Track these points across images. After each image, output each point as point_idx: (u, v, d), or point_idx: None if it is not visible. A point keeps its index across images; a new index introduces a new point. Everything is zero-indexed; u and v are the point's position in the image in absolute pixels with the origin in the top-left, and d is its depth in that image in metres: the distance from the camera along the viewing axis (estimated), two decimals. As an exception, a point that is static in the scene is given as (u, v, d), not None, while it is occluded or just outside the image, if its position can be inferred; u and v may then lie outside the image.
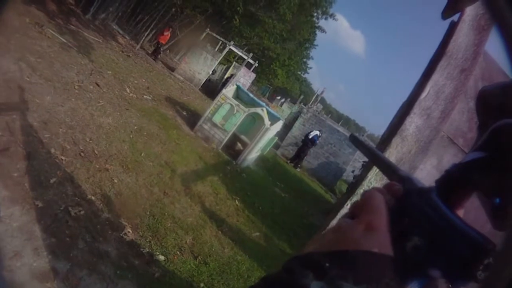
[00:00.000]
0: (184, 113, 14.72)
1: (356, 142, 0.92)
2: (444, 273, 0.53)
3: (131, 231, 5.51)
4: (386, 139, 2.10)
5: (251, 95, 14.84)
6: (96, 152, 6.96)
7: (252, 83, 31.73)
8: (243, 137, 13.55)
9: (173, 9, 24.99)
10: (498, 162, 0.56)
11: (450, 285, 0.53)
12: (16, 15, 10.92)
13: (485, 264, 0.49)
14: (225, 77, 24.28)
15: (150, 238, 5.69)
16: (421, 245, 0.56)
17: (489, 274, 0.50)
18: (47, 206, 4.78)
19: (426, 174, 1.91)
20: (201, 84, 22.90)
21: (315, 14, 33.62)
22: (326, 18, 34.62)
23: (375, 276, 0.49)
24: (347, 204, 2.10)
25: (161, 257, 5.40)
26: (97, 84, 10.69)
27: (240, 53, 24.99)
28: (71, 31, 14.45)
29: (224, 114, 12.93)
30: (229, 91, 13.70)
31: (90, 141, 7.18)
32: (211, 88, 22.26)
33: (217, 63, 23.25)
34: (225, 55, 24.65)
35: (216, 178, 10.09)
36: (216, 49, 23.88)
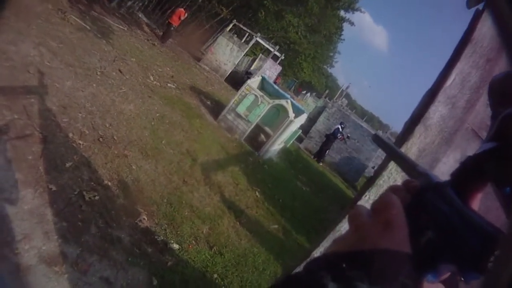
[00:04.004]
0: (208, 102, 14.68)
1: (378, 141, 0.90)
2: (456, 265, 0.53)
3: (146, 218, 5.43)
4: (409, 128, 1.95)
5: (276, 86, 14.72)
6: (115, 138, 6.90)
7: (278, 75, 31.62)
8: (266, 128, 13.45)
9: (200, 0, 24.90)
10: (508, 151, 0.55)
11: (461, 278, 0.53)
12: (38, 1, 10.92)
13: (496, 256, 0.49)
14: (251, 68, 24.18)
15: (166, 226, 5.61)
16: (434, 239, 0.56)
17: (494, 266, 0.50)
18: (61, 190, 4.73)
19: (449, 168, 1.76)
20: (227, 75, 22.81)
21: (342, 8, 33.33)
22: (352, 12, 34.33)
23: (391, 276, 0.50)
24: (366, 196, 1.95)
25: (176, 246, 5.32)
26: (120, 71, 10.65)
27: (266, 45, 24.85)
28: (95, 18, 14.46)
29: (249, 105, 12.82)
30: (254, 82, 13.58)
31: (110, 127, 7.13)
32: (237, 79, 22.11)
33: (243, 54, 23.13)
34: (251, 47, 24.55)
35: (237, 169, 10.01)
36: (243, 41, 23.73)
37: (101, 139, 6.50)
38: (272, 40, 27.74)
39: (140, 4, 22.52)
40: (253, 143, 13.21)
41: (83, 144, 5.95)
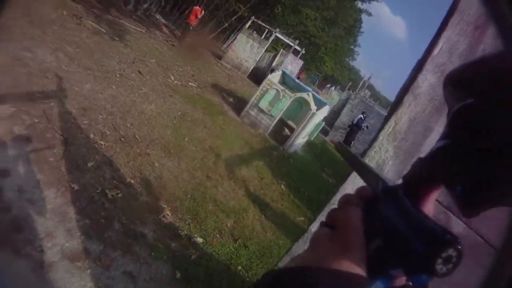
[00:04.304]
0: (231, 99, 14.73)
1: (341, 148, 0.90)
2: (404, 270, 0.54)
3: (169, 214, 5.48)
4: (399, 99, 1.91)
5: (296, 80, 14.71)
6: (137, 137, 6.99)
7: (301, 70, 31.60)
8: (290, 122, 13.44)
9: (217, -1, 25.09)
10: (458, 148, 0.54)
11: (410, 282, 0.55)
12: (52, 8, 11.08)
13: (444, 257, 0.48)
14: (273, 64, 24.22)
15: (190, 220, 5.65)
16: (382, 245, 0.57)
17: (490, 272, 0.52)
18: (83, 189, 4.82)
19: None
20: (249, 71, 22.89)
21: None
22: (369, 2, 34.13)
23: None
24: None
25: (199, 240, 5.35)
26: (140, 72, 10.76)
27: (286, 40, 24.88)
28: (112, 21, 14.58)
29: (270, 100, 12.83)
30: (274, 76, 13.62)
31: (131, 127, 7.22)
32: (259, 76, 22.12)
33: (263, 50, 23.18)
34: (272, 42, 24.61)
35: (261, 163, 10.01)
36: (263, 37, 23.77)
37: (122, 138, 6.59)
38: (292, 35, 27.76)
39: (157, 5, 22.65)
40: (277, 137, 13.19)
41: (104, 144, 6.05)
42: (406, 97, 1.80)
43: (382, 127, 1.89)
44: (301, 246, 2.19)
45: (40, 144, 5.06)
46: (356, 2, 34.14)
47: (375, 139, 1.89)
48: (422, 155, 1.76)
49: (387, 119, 1.96)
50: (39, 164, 4.70)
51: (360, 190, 0.68)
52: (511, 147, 0.47)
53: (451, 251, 0.48)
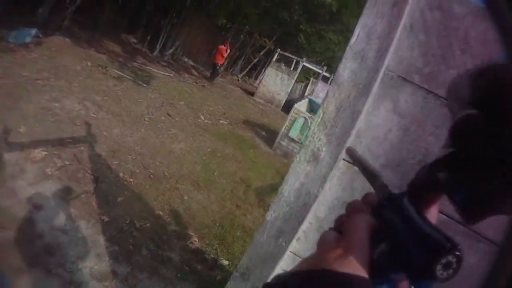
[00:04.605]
0: (263, 133, 14.87)
1: (352, 154, 0.93)
2: (407, 275, 0.55)
3: (197, 240, 5.82)
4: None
5: (323, 105, 14.86)
6: (166, 173, 7.40)
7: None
8: (318, 146, 13.49)
9: (241, 36, 25.37)
10: (459, 157, 0.57)
11: (412, 287, 0.56)
12: (76, 60, 11.80)
13: (443, 263, 0.51)
14: (305, 93, 24.27)
15: (217, 245, 5.93)
16: (386, 251, 0.59)
17: (491, 271, 0.54)
18: (113, 221, 5.29)
19: (382, 119, 1.87)
20: (282, 104, 22.95)
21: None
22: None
23: None
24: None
25: (225, 262, 5.63)
26: (169, 115, 11.16)
27: (314, 68, 24.85)
28: (138, 69, 15.21)
29: (300, 128, 12.97)
30: (301, 105, 13.82)
31: (160, 165, 7.64)
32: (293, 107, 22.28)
33: (293, 81, 23.34)
34: (302, 72, 24.70)
35: (293, 190, 10.03)
36: (292, 68, 24.03)
37: (152, 176, 7.02)
38: (322, 63, 27.77)
39: (183, 48, 23.10)
40: (309, 164, 13.23)
41: (134, 182, 6.51)
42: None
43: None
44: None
45: (72, 183, 5.61)
46: None
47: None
48: (353, 137, 2.03)
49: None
50: (71, 200, 5.25)
51: (366, 197, 0.71)
52: (510, 156, 0.50)
53: (450, 257, 0.50)
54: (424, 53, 1.95)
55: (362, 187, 1.85)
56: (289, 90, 23.29)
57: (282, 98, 23.13)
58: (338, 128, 1.97)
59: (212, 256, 5.64)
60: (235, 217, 7.09)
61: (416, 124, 1.95)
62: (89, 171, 6.07)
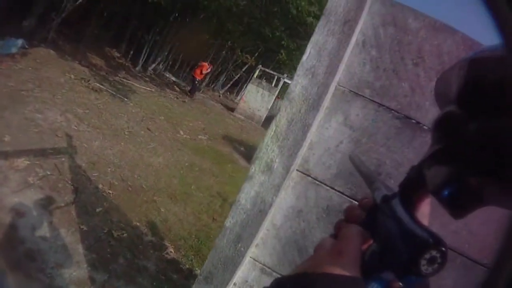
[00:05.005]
0: (242, 148, 14.93)
1: (353, 160, 0.97)
2: (394, 272, 0.57)
3: (173, 251, 5.97)
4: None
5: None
6: (144, 186, 7.53)
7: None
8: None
9: (224, 52, 25.49)
10: (442, 154, 0.58)
11: (400, 284, 0.56)
12: (60, 72, 11.94)
13: (427, 258, 0.51)
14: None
15: (192, 257, 6.07)
16: (375, 251, 0.63)
17: (490, 272, 0.52)
18: (91, 230, 5.44)
19: (334, 131, 1.94)
20: (262, 120, 22.98)
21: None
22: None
23: None
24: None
25: (200, 272, 5.75)
26: (149, 129, 11.26)
27: (294, 85, 24.96)
28: (120, 83, 15.41)
29: (279, 144, 12.96)
30: (279, 121, 13.91)
31: (139, 178, 7.77)
32: (273, 124, 22.18)
33: (274, 98, 23.45)
34: (283, 88, 24.79)
35: (269, 205, 10.14)
36: (273, 85, 24.22)
37: (130, 188, 7.15)
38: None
39: (165, 64, 23.12)
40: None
41: (112, 193, 6.64)
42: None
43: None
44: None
45: (52, 193, 5.77)
46: None
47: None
48: (305, 149, 2.23)
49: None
50: (52, 209, 5.42)
51: (361, 201, 0.74)
52: (491, 150, 0.50)
53: (434, 252, 0.51)
54: (375, 68, 2.07)
55: (315, 196, 1.99)
56: (269, 107, 23.31)
57: (263, 114, 23.17)
58: (290, 140, 2.05)
59: (187, 266, 5.80)
60: (211, 229, 7.22)
61: (368, 136, 2.06)
62: (69, 182, 6.22)
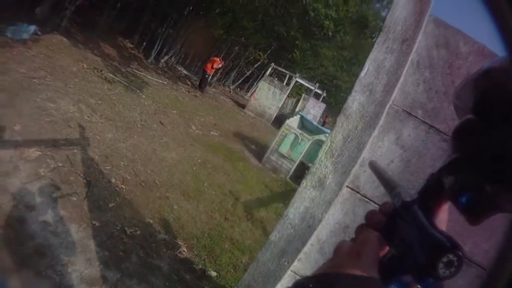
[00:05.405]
0: (253, 146, 14.93)
1: (372, 167, 0.98)
2: (413, 275, 0.58)
3: (186, 250, 5.81)
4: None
5: (315, 123, 14.98)
6: (157, 182, 7.39)
7: (327, 115, 31.60)
8: (310, 165, 13.43)
9: (236, 48, 25.44)
10: (461, 162, 0.60)
11: (419, 287, 0.58)
12: (72, 61, 11.86)
13: (445, 262, 0.53)
14: (296, 109, 24.36)
15: (205, 256, 5.93)
16: (394, 254, 0.64)
17: (490, 272, 0.56)
18: (103, 226, 5.26)
19: (386, 150, 1.95)
20: (272, 118, 23.03)
21: (374, 35, 33.22)
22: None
23: None
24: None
25: (213, 273, 5.62)
26: (161, 123, 11.19)
27: (306, 84, 24.96)
28: (132, 74, 15.39)
29: (290, 144, 13.05)
30: (293, 121, 13.95)
31: (152, 173, 7.64)
32: (283, 122, 22.22)
33: (285, 96, 23.40)
34: (295, 88, 24.84)
35: (281, 205, 10.04)
36: (284, 83, 24.07)
37: (143, 183, 7.01)
38: (315, 79, 27.84)
39: (178, 57, 23.10)
40: (299, 180, 13.16)
41: (125, 188, 6.50)
42: (338, 118, 1.97)
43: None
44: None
45: (64, 185, 5.58)
46: (373, 39, 33.85)
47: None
48: (362, 168, 2.09)
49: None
50: (63, 202, 5.21)
51: (382, 206, 0.74)
52: (507, 159, 0.52)
53: (451, 256, 0.53)
54: (428, 89, 2.07)
55: (363, 213, 1.85)
56: (280, 105, 23.38)
57: (273, 112, 23.19)
58: (345, 157, 2.06)
59: (200, 266, 5.64)
60: (223, 229, 7.10)
61: (417, 157, 2.07)
62: (82, 175, 6.04)
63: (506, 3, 0.63)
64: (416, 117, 2.05)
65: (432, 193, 0.65)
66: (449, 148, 0.63)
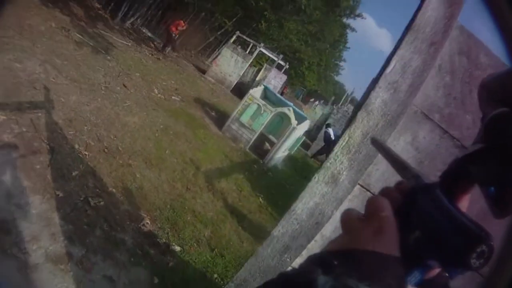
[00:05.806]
0: (213, 113, 14.93)
1: (376, 144, 0.97)
2: (441, 262, 0.57)
3: (149, 223, 5.73)
4: (353, 115, 2.16)
5: (278, 95, 14.96)
6: (120, 148, 7.22)
7: (286, 85, 31.70)
8: (270, 136, 13.54)
9: (203, 13, 25.06)
10: (493, 152, 0.58)
11: (447, 274, 0.58)
12: (41, 20, 11.35)
13: (478, 252, 0.51)
14: (257, 79, 24.35)
15: (168, 230, 5.88)
16: (421, 238, 0.60)
17: (490, 273, 0.55)
18: (67, 196, 5.05)
19: (400, 150, 1.92)
20: (232, 86, 23.05)
21: (343, 14, 33.34)
22: (354, 18, 34.39)
23: (378, 275, 0.54)
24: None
25: (177, 248, 5.58)
26: (125, 86, 10.97)
27: (270, 55, 24.97)
28: (99, 35, 15.07)
29: (252, 114, 13.07)
30: (256, 91, 13.85)
31: (115, 138, 7.45)
32: (243, 90, 22.15)
33: (247, 65, 23.37)
34: (256, 57, 24.75)
35: (241, 176, 10.21)
36: (247, 52, 24.00)
37: (106, 149, 6.82)
38: (278, 50, 27.83)
39: (144, 19, 22.70)
40: (258, 151, 13.36)
41: (88, 155, 6.28)
42: (359, 113, 1.91)
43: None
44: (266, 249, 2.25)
45: (28, 152, 5.30)
46: (341, 17, 34.15)
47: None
48: (375, 166, 2.01)
49: (342, 133, 2.06)
50: (26, 171, 4.95)
51: (398, 184, 0.72)
52: None
53: (484, 247, 0.51)
54: (447, 95, 2.07)
55: None
56: (241, 73, 23.37)
57: (234, 80, 23.20)
58: (362, 154, 2.01)
59: (164, 240, 5.58)
60: (186, 200, 7.06)
61: (430, 160, 2.06)
62: (45, 140, 5.78)
63: (506, 3, 0.64)
64: (433, 120, 2.04)
65: (456, 178, 0.64)
66: (476, 137, 0.62)
